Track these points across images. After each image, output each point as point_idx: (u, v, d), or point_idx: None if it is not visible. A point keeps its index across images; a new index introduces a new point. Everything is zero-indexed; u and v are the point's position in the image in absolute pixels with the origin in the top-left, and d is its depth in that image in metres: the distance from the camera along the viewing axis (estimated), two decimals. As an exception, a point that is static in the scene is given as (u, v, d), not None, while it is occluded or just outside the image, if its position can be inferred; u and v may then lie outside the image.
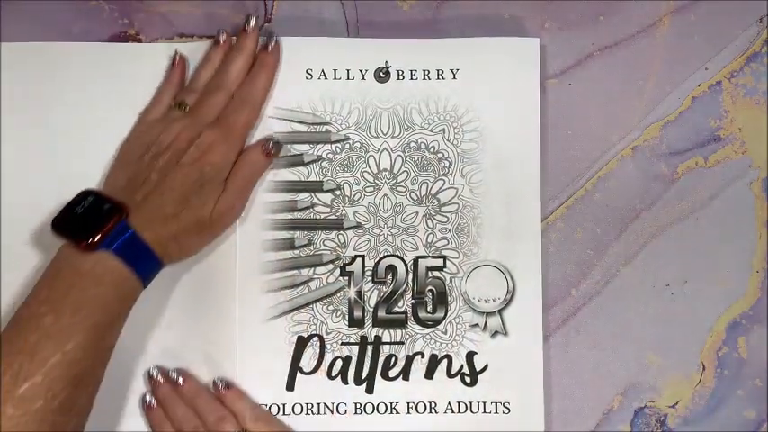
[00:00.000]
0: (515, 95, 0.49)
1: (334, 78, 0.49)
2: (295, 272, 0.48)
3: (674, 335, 0.50)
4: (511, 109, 0.49)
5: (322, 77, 0.49)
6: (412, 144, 0.49)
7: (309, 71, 0.49)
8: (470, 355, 0.48)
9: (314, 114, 0.49)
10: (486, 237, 0.49)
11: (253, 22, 0.47)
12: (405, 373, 0.48)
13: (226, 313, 0.48)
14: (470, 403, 0.48)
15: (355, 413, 0.48)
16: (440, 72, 0.49)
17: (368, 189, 0.49)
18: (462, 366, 0.48)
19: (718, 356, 0.49)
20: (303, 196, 0.49)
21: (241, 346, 0.47)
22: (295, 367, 0.48)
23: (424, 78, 0.49)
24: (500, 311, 0.48)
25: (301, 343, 0.48)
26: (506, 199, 0.49)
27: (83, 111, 0.49)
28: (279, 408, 0.47)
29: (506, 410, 0.48)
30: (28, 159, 0.48)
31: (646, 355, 0.49)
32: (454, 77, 0.49)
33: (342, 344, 0.48)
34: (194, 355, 0.47)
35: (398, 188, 0.49)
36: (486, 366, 0.48)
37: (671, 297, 0.49)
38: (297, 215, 0.48)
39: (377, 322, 0.48)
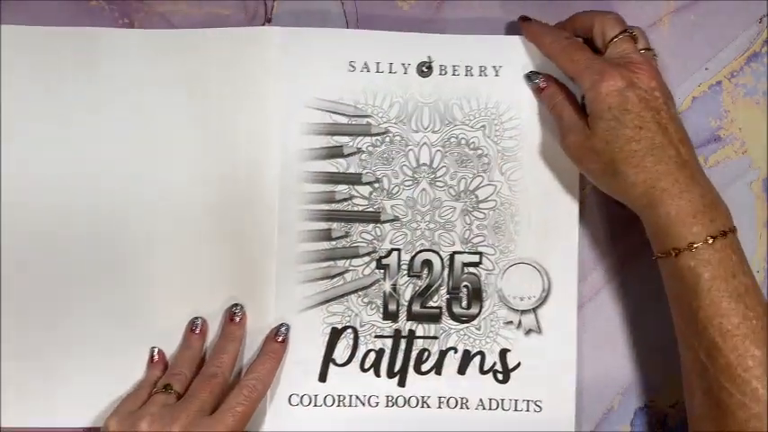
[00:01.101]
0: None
1: (377, 71, 0.49)
2: (331, 263, 0.48)
3: (674, 335, 0.50)
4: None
5: (365, 70, 0.49)
6: (452, 139, 0.49)
7: (352, 63, 0.49)
8: (503, 353, 0.48)
9: (355, 107, 0.49)
10: (523, 234, 0.49)
11: (240, 314, 0.47)
12: (437, 368, 0.48)
13: (262, 302, 0.48)
14: (502, 401, 0.48)
15: (387, 406, 0.48)
16: (482, 69, 0.49)
17: (406, 183, 0.49)
18: (495, 363, 0.48)
19: (718, 356, 0.48)
20: (342, 188, 0.49)
21: None
22: (328, 358, 0.48)
23: (467, 74, 0.49)
24: (535, 309, 0.48)
25: (335, 334, 0.48)
26: (544, 198, 0.49)
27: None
28: (311, 399, 0.48)
29: (538, 409, 0.48)
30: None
31: (646, 354, 0.49)
32: (497, 74, 0.49)
33: (375, 337, 0.48)
34: None
35: (437, 183, 0.49)
36: (518, 364, 0.48)
37: (671, 297, 0.49)
38: (335, 206, 0.49)
39: (411, 316, 0.48)
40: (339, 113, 0.49)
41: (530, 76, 0.48)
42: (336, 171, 0.49)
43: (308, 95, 0.48)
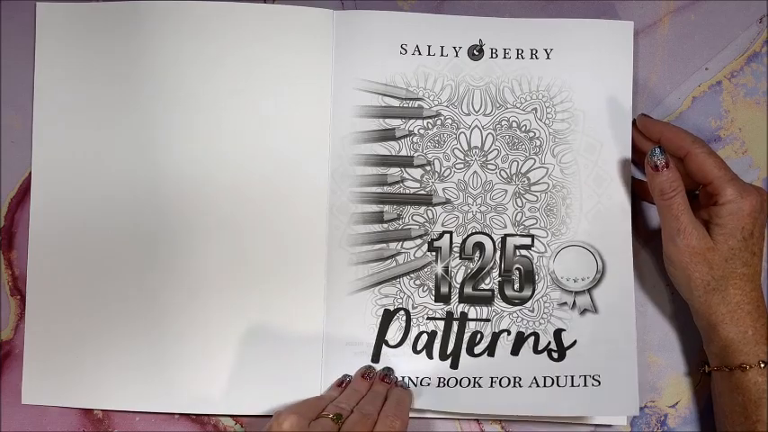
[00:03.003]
0: (609, 77, 0.49)
1: (428, 54, 0.49)
2: (383, 245, 0.49)
3: (674, 335, 0.50)
4: (604, 91, 0.49)
5: (416, 53, 0.49)
6: (503, 122, 0.49)
7: (404, 46, 0.49)
8: (558, 333, 0.49)
9: (407, 89, 0.49)
10: (574, 217, 0.49)
11: (384, 374, 0.48)
12: (490, 350, 0.48)
13: (313, 284, 0.48)
14: (557, 378, 0.48)
15: (438, 386, 0.48)
16: (533, 51, 0.49)
17: (458, 166, 0.49)
18: (549, 343, 0.48)
19: (718, 356, 0.48)
20: (393, 170, 0.49)
21: (327, 317, 0.48)
22: (381, 340, 0.48)
23: (518, 57, 0.49)
24: (590, 290, 0.49)
25: (387, 316, 0.48)
26: (596, 180, 0.49)
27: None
28: None
29: (596, 383, 0.48)
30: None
31: (646, 355, 0.49)
32: (548, 57, 0.49)
33: (428, 318, 0.49)
34: (281, 323, 0.48)
35: (488, 166, 0.49)
36: (574, 342, 0.48)
37: (671, 297, 0.49)
38: (386, 189, 0.49)
39: (463, 299, 0.49)
40: (391, 96, 0.49)
41: (652, 152, 0.45)
42: (388, 153, 0.49)
43: (360, 78, 0.49)
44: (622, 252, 0.48)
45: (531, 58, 0.49)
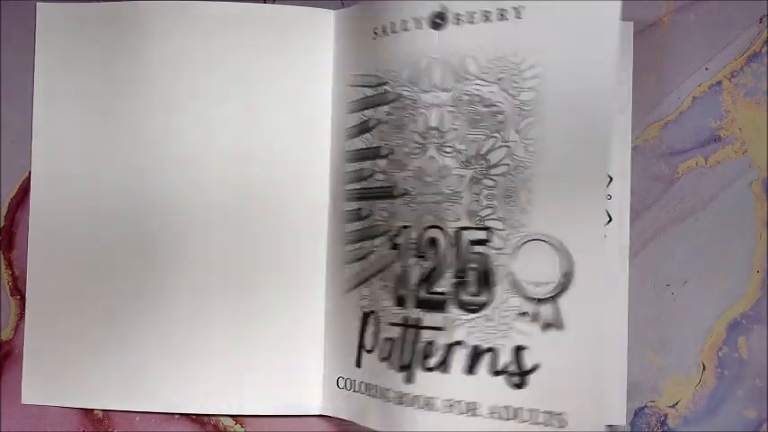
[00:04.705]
0: (587, 39, 0.41)
1: (393, 32, 0.44)
2: (361, 244, 0.46)
3: (674, 335, 0.50)
4: (582, 53, 0.41)
5: (384, 34, 0.44)
6: (464, 97, 0.42)
7: (375, 30, 0.45)
8: (518, 351, 0.41)
9: (375, 75, 0.45)
10: (538, 204, 0.41)
11: None
12: (444, 365, 0.42)
13: (313, 283, 0.48)
14: (517, 411, 0.41)
15: (398, 403, 0.43)
16: (501, 11, 0.41)
17: (416, 151, 0.43)
18: (509, 364, 0.41)
19: (718, 356, 0.49)
20: (367, 164, 0.45)
21: (327, 317, 0.48)
22: (360, 344, 0.45)
23: (484, 20, 0.42)
24: (554, 298, 0.40)
25: (364, 319, 0.45)
26: (567, 160, 0.40)
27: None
28: (351, 384, 0.46)
29: (560, 425, 0.40)
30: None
31: (646, 355, 0.49)
32: (518, 16, 0.41)
33: (389, 324, 0.44)
34: (281, 322, 0.48)
35: (445, 148, 0.42)
36: (536, 366, 0.41)
37: (671, 297, 0.49)
38: (364, 184, 0.45)
39: (418, 303, 0.43)
40: (366, 86, 0.46)
41: None
42: (365, 146, 0.45)
43: (348, 73, 0.47)
44: (594, 251, 0.39)
45: (500, 19, 0.41)
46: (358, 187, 0.46)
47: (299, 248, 0.49)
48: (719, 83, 0.51)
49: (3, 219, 0.50)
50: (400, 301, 0.44)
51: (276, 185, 0.49)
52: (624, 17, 0.50)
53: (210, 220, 0.49)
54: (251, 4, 0.50)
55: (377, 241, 0.45)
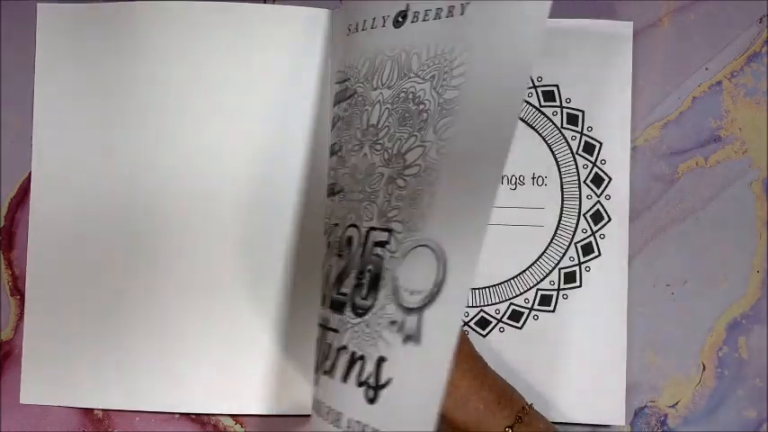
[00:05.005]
0: (511, 38, 0.37)
1: (362, 30, 0.44)
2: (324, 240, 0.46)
3: (674, 335, 0.50)
4: (503, 53, 0.37)
5: (354, 32, 0.44)
6: (401, 95, 0.41)
7: (350, 27, 0.45)
8: (380, 362, 0.37)
9: (343, 72, 0.46)
10: (436, 210, 0.37)
11: None
12: (331, 370, 0.40)
13: (312, 282, 0.48)
14: (365, 427, 0.37)
15: (313, 407, 0.42)
16: (451, 8, 0.40)
17: (355, 149, 0.42)
18: (370, 375, 0.37)
19: (718, 356, 0.49)
20: (332, 161, 0.45)
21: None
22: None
23: (436, 17, 0.40)
24: (422, 309, 0.36)
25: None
26: (470, 163, 0.37)
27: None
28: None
29: None
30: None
31: (646, 355, 0.49)
32: (462, 12, 0.39)
33: (317, 324, 0.44)
34: (281, 322, 0.49)
35: (376, 147, 0.41)
36: (388, 381, 0.36)
37: (671, 297, 0.49)
38: (329, 181, 0.46)
39: (329, 303, 0.41)
40: (338, 82, 0.46)
41: None
42: (331, 143, 0.46)
43: (333, 70, 0.48)
44: (467, 262, 0.35)
45: (448, 15, 0.40)
46: (328, 183, 0.46)
47: (297, 248, 0.49)
48: (719, 83, 0.51)
49: (3, 219, 0.50)
50: (323, 301, 0.43)
51: (276, 185, 0.49)
52: (624, 17, 0.50)
53: (210, 221, 0.49)
54: (251, 4, 0.50)
55: (325, 239, 0.45)
